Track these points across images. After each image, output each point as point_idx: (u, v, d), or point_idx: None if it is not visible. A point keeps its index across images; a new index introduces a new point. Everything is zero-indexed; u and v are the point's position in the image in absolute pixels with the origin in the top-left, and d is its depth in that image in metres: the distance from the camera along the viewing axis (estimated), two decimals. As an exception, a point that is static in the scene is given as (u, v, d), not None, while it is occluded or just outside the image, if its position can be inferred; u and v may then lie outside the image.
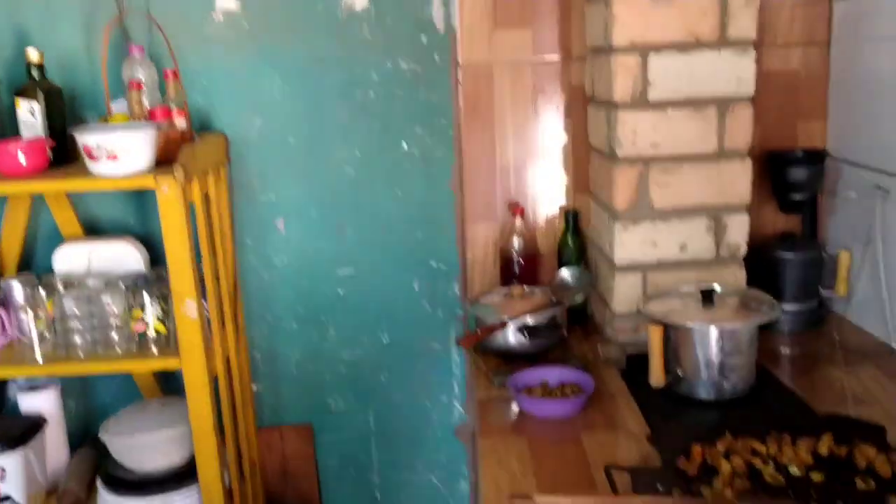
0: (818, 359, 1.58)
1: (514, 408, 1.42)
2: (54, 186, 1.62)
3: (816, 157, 1.76)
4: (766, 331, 1.66)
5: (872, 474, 1.11)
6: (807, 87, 1.82)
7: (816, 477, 1.13)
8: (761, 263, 1.72)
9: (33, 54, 1.60)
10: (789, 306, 1.72)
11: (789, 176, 1.75)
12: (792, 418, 1.30)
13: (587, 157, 1.81)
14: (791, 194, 1.76)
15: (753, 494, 1.08)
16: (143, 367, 1.69)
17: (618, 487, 1.05)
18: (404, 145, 1.86)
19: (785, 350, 1.65)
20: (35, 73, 1.60)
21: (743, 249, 1.60)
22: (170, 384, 1.88)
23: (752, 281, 1.62)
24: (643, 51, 1.49)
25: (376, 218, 1.88)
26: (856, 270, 1.70)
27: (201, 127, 1.79)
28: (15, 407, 1.75)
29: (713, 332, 1.37)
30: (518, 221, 1.81)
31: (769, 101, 1.78)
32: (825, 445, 1.18)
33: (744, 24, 1.49)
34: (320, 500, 2.02)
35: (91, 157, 1.43)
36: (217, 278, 1.66)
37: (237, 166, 1.83)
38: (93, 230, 1.82)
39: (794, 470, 1.15)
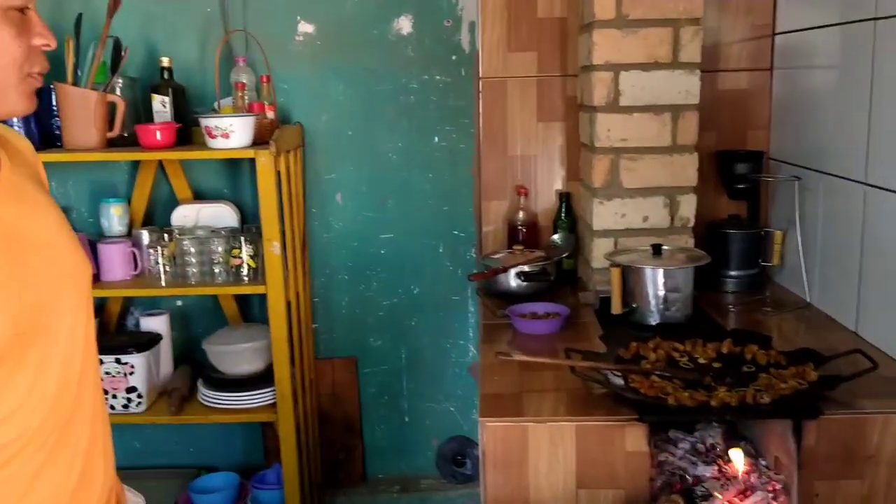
0: (749, 308, 2.06)
1: (510, 332, 1.91)
2: (184, 155, 2.18)
3: (756, 156, 2.25)
4: (717, 291, 2.16)
5: (754, 363, 1.60)
6: (754, 103, 2.31)
7: (716, 364, 1.62)
8: (714, 239, 2.21)
9: (165, 61, 2.17)
10: (734, 273, 2.21)
11: (734, 170, 2.24)
12: (709, 332, 1.78)
13: (578, 152, 2.32)
14: (736, 185, 2.26)
15: (668, 369, 1.57)
16: (237, 291, 2.23)
17: (571, 358, 1.56)
18: (436, 139, 2.40)
19: (727, 304, 2.13)
20: (166, 74, 2.17)
21: (691, 221, 2.08)
22: (249, 315, 2.43)
23: (706, 252, 2.06)
24: (615, 68, 2.01)
25: (412, 195, 2.42)
26: (787, 245, 2.17)
27: (284, 119, 2.34)
28: (136, 327, 2.31)
29: (657, 272, 1.86)
30: (522, 200, 2.33)
31: (723, 113, 2.29)
32: (726, 346, 1.66)
33: (691, 51, 1.99)
34: (360, 420, 2.53)
35: (210, 135, 1.99)
36: (292, 232, 2.20)
37: (309, 151, 2.38)
38: (199, 196, 2.38)
39: (701, 360, 1.64)
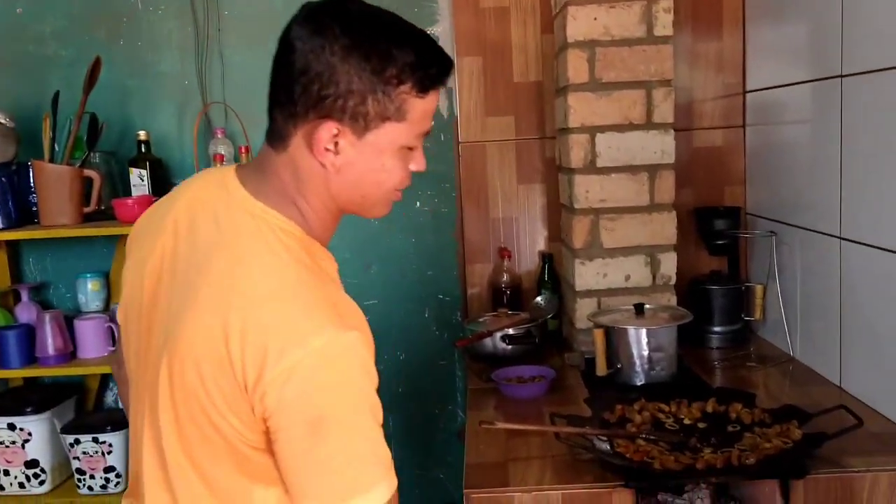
0: (734, 364, 2.05)
1: (497, 397, 1.89)
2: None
3: (733, 212, 2.27)
4: (701, 348, 2.15)
5: (739, 422, 1.58)
6: (729, 160, 2.35)
7: (701, 425, 1.60)
8: (696, 295, 2.21)
9: (142, 134, 2.19)
10: (718, 328, 2.20)
11: (712, 226, 2.26)
12: (694, 391, 1.76)
13: (559, 212, 2.33)
14: (715, 241, 2.27)
15: (653, 432, 1.55)
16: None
17: (556, 424, 1.53)
18: (417, 204, 2.41)
19: (712, 360, 2.11)
20: (143, 148, 2.19)
21: (673, 279, 2.08)
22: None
23: (688, 309, 2.04)
24: (591, 130, 2.03)
25: (396, 260, 2.42)
26: (769, 299, 2.17)
27: (264, 189, 2.35)
28: (115, 404, 2.27)
29: (640, 332, 1.85)
30: (506, 262, 2.33)
31: (700, 170, 2.32)
32: (710, 406, 1.65)
33: (664, 111, 2.03)
34: (347, 490, 2.47)
35: (190, 207, 1.99)
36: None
37: (289, 219, 2.38)
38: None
39: (686, 421, 1.62)
